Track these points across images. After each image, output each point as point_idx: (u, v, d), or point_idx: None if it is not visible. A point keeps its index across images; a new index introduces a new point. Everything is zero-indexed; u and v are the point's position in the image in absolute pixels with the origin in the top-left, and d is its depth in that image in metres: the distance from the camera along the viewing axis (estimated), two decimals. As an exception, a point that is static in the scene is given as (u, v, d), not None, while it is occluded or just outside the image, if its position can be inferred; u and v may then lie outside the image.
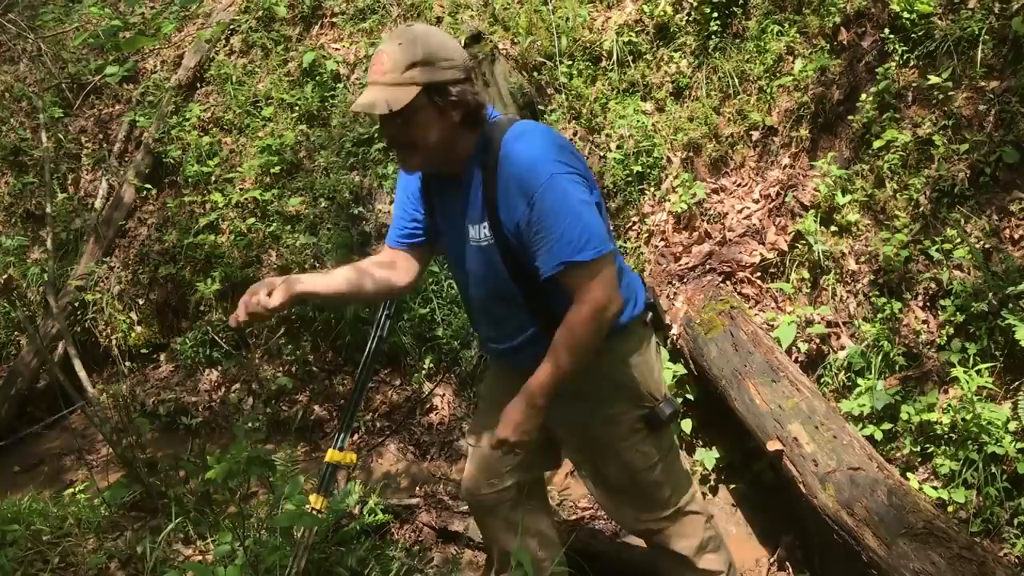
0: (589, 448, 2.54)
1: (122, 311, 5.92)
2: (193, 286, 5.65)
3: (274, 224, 5.57)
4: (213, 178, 5.98)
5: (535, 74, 5.20)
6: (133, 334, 5.88)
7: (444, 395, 4.90)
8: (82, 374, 3.68)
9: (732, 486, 4.06)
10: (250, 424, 4.57)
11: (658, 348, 2.56)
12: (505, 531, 2.77)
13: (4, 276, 5.92)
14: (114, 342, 5.89)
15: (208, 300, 5.57)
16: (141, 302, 5.93)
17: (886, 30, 4.24)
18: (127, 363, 5.78)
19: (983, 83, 3.93)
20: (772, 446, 3.27)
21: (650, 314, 2.50)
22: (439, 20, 5.76)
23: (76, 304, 5.87)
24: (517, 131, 2.18)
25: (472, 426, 2.82)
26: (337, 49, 6.17)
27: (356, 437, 4.82)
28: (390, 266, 2.52)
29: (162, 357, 5.92)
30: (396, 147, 2.23)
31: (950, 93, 3.97)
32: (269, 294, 2.15)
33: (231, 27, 6.67)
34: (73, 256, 6.10)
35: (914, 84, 4.11)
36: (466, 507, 4.09)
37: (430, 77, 2.07)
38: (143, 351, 5.93)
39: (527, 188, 2.10)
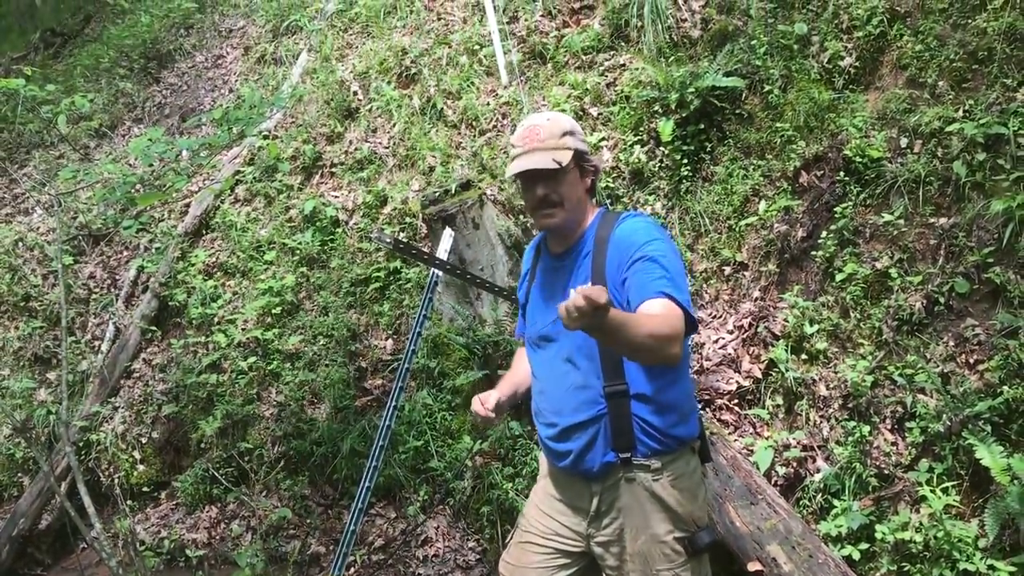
0: (630, 565, 2.57)
1: (125, 450, 6.05)
2: (195, 424, 5.81)
3: (274, 362, 5.79)
4: (216, 319, 6.25)
5: (521, 217, 5.54)
6: (135, 473, 5.99)
7: (439, 527, 4.98)
8: (91, 510, 3.82)
9: (721, 611, 4.12)
10: (250, 559, 4.66)
11: (703, 477, 2.69)
12: None
13: (23, 418, 6.11)
14: (116, 481, 6.00)
15: (209, 438, 5.72)
16: (144, 441, 6.06)
17: (842, 173, 4.60)
18: (129, 501, 5.86)
19: (932, 219, 4.25)
20: (752, 567, 3.42)
21: (699, 442, 2.67)
22: (431, 169, 6.15)
23: (80, 444, 6.00)
24: (632, 214, 2.58)
25: (511, 549, 2.83)
26: (336, 196, 6.56)
27: (352, 571, 4.88)
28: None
29: (163, 495, 6.02)
30: (544, 206, 2.54)
31: (903, 229, 4.30)
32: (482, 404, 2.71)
33: (236, 178, 7.09)
34: (79, 397, 6.28)
35: (870, 221, 4.44)
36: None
37: (578, 144, 2.53)
38: (144, 489, 6.03)
39: (637, 239, 2.43)
